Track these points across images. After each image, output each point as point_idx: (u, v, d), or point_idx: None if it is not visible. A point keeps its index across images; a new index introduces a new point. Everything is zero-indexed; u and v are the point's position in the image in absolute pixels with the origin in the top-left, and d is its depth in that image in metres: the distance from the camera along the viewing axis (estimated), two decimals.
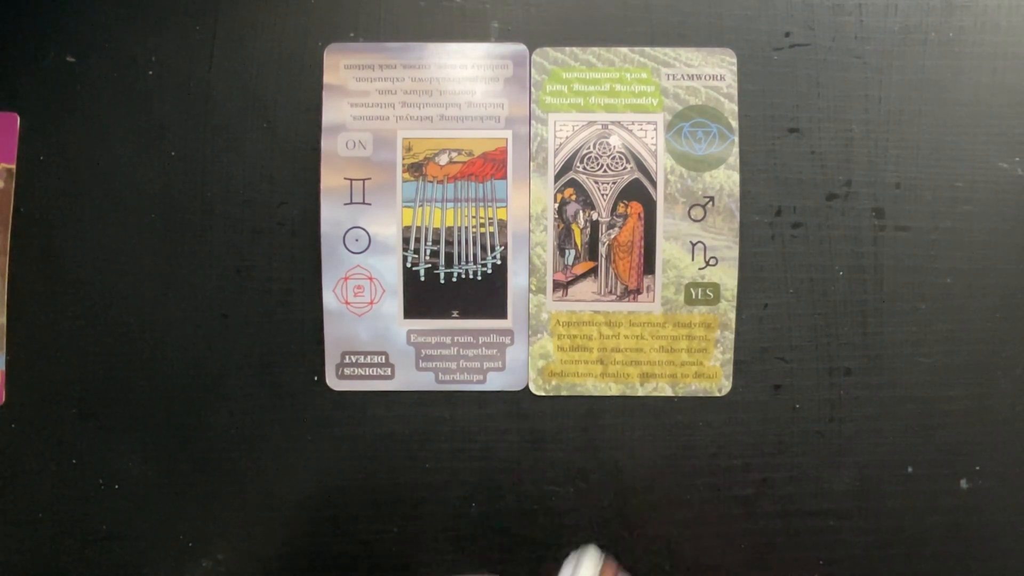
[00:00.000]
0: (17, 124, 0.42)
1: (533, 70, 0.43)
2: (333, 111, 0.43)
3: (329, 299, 0.43)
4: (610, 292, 0.43)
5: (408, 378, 0.43)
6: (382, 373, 0.43)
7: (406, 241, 0.43)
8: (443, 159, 0.43)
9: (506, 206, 0.43)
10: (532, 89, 0.43)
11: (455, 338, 0.43)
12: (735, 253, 0.43)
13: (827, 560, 0.43)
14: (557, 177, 0.43)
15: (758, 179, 0.43)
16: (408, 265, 0.43)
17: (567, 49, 0.43)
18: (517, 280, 0.43)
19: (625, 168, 0.43)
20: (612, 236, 0.43)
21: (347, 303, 0.43)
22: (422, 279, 0.43)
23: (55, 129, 0.43)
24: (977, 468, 0.43)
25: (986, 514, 0.43)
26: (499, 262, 0.43)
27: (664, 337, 0.43)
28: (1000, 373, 0.43)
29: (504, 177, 0.43)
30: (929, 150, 0.42)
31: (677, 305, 0.43)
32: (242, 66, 0.43)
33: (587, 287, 0.43)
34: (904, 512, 0.43)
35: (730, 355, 0.43)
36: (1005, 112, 0.42)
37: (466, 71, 0.43)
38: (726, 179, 0.42)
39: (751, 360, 0.43)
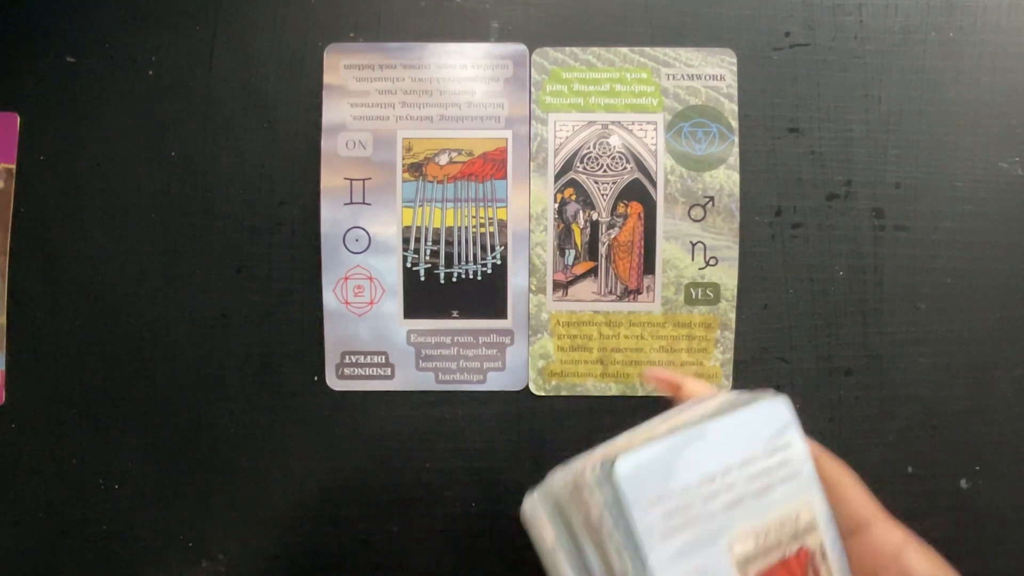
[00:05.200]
0: (17, 124, 0.42)
1: (533, 70, 0.43)
2: (333, 111, 0.43)
3: (329, 299, 0.43)
4: (610, 292, 0.43)
5: (408, 378, 0.43)
6: (382, 373, 0.43)
7: (406, 241, 0.43)
8: (443, 159, 0.43)
9: (506, 206, 0.43)
10: (532, 89, 0.43)
11: (455, 338, 0.43)
12: (735, 253, 0.43)
13: None
14: (557, 177, 0.43)
15: (758, 179, 0.43)
16: (408, 265, 0.43)
17: (567, 49, 0.43)
18: (517, 280, 0.43)
19: (625, 168, 0.43)
20: (612, 236, 0.43)
21: (347, 303, 0.43)
22: (422, 279, 0.43)
23: (55, 129, 0.43)
24: (977, 468, 0.43)
25: (986, 514, 0.43)
26: (499, 262, 0.43)
27: (664, 337, 0.43)
28: (1000, 373, 0.43)
29: (504, 177, 0.43)
30: (929, 150, 0.42)
31: (677, 305, 0.43)
32: (242, 66, 0.43)
33: (587, 287, 0.43)
34: (904, 512, 0.43)
35: (730, 355, 0.43)
36: (1005, 112, 0.42)
37: (466, 71, 0.43)
38: (726, 179, 0.42)
39: (751, 360, 0.43)
